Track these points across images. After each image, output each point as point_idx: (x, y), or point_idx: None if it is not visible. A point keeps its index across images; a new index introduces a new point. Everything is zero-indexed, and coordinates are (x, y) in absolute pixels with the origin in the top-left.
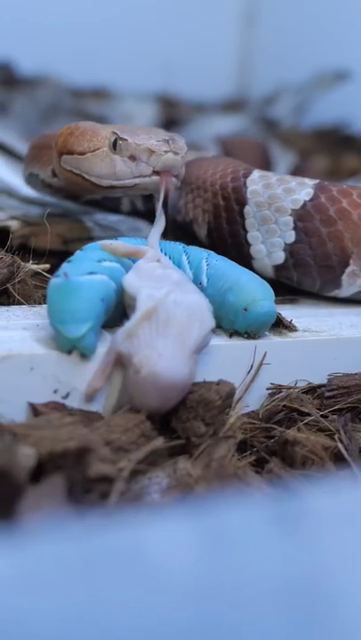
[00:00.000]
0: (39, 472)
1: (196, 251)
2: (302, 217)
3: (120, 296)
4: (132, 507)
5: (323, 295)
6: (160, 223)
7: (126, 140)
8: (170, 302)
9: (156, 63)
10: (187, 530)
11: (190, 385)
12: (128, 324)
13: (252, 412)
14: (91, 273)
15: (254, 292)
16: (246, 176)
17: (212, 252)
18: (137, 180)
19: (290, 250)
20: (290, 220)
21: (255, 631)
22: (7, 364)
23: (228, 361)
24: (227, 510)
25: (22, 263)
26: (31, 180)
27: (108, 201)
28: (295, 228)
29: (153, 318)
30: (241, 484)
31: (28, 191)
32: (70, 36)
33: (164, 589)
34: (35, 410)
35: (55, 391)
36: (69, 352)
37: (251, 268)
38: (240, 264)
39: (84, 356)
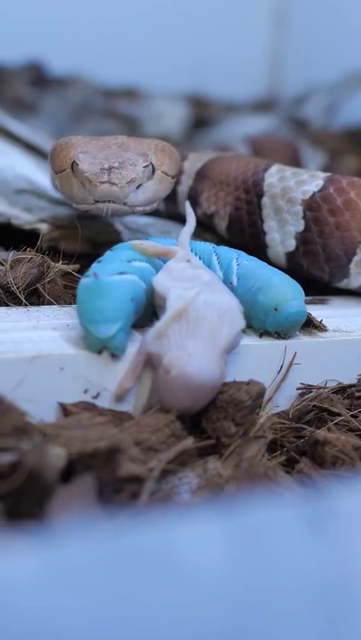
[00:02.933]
0: (69, 472)
1: (226, 251)
2: (311, 207)
3: (150, 296)
4: (162, 507)
5: (335, 286)
6: (190, 223)
7: (78, 165)
8: (200, 302)
9: (187, 63)
10: (217, 530)
11: (220, 385)
12: (158, 325)
13: (283, 412)
14: (121, 273)
15: (285, 292)
16: (266, 170)
17: (242, 253)
18: (86, 207)
19: (300, 238)
20: (300, 209)
21: (285, 631)
22: (37, 364)
23: (259, 361)
24: (257, 510)
25: (52, 263)
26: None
27: None
28: (304, 218)
29: (183, 318)
30: (271, 483)
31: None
32: (101, 37)
33: (195, 589)
34: (65, 410)
35: (85, 391)
36: (99, 352)
37: (266, 256)
38: (257, 253)
39: (115, 356)
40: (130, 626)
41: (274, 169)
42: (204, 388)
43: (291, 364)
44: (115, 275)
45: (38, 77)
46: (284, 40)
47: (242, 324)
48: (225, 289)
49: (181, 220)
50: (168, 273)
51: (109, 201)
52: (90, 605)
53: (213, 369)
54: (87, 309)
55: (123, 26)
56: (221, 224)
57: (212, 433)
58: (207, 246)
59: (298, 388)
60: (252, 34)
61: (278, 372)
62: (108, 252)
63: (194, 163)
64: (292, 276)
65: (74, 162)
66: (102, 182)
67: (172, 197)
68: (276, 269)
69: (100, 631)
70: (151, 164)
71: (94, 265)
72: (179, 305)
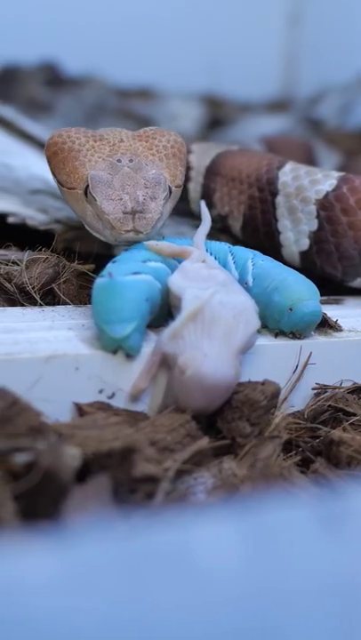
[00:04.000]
0: (84, 472)
1: (241, 251)
2: (324, 206)
3: (165, 296)
4: (177, 507)
5: (348, 286)
6: (206, 223)
7: (95, 200)
8: (215, 303)
9: (202, 63)
10: (232, 530)
11: (235, 385)
12: (173, 325)
13: (298, 412)
14: (135, 273)
15: (300, 292)
16: (279, 168)
17: (257, 253)
18: (100, 237)
19: (313, 237)
20: (313, 209)
21: (299, 631)
22: (53, 364)
23: (274, 361)
24: (272, 510)
25: (68, 263)
26: None
27: None
28: (318, 217)
29: (198, 319)
30: (286, 484)
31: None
32: (116, 37)
33: (209, 589)
34: (80, 410)
35: (100, 391)
36: (114, 352)
37: (280, 255)
38: (271, 252)
39: (129, 356)
40: (145, 626)
41: (288, 167)
42: (219, 388)
43: (306, 363)
44: (129, 275)
45: (53, 77)
46: (299, 40)
47: (257, 324)
48: (240, 289)
49: (191, 217)
50: (183, 273)
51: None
52: (105, 605)
53: (228, 369)
54: (102, 309)
55: (137, 26)
56: (236, 225)
57: (228, 433)
58: (223, 246)
59: (313, 388)
60: (266, 34)
61: (293, 372)
62: (123, 253)
63: (201, 157)
64: (307, 276)
65: (89, 189)
66: (127, 231)
67: (182, 195)
68: (292, 269)
69: (116, 631)
70: (168, 186)
71: (109, 265)
72: (194, 305)
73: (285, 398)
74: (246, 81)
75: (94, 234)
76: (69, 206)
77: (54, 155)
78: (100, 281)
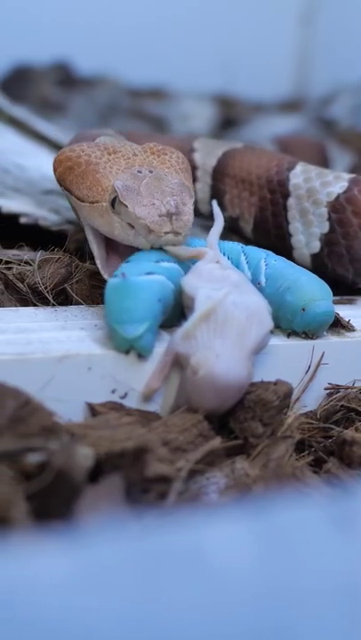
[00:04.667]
0: (97, 472)
1: (254, 251)
2: (336, 208)
3: (178, 296)
4: (190, 507)
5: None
6: (219, 224)
7: (126, 207)
8: (228, 303)
9: (215, 63)
10: (244, 530)
11: (248, 386)
12: (186, 325)
13: (310, 411)
14: (148, 273)
15: (312, 292)
16: (290, 169)
17: (270, 253)
18: (128, 243)
19: (325, 240)
20: (325, 211)
21: (312, 631)
22: (65, 364)
23: (286, 361)
24: (285, 510)
25: (80, 263)
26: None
27: None
28: (329, 219)
29: (211, 319)
30: (299, 484)
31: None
32: (128, 36)
33: (222, 589)
34: (93, 410)
35: (113, 391)
36: (127, 352)
37: (291, 257)
38: (283, 255)
39: (142, 356)
40: (157, 625)
41: (299, 169)
42: (231, 388)
43: (319, 363)
44: (143, 275)
45: (65, 77)
46: (312, 40)
47: (270, 324)
48: (254, 289)
49: (199, 217)
50: (197, 273)
51: None
52: (117, 605)
53: (241, 369)
54: (115, 309)
55: (150, 25)
56: (247, 227)
57: (240, 433)
58: (235, 246)
59: (326, 388)
60: (279, 34)
61: (306, 372)
62: (136, 253)
63: (206, 156)
64: (319, 277)
65: (117, 200)
66: (167, 232)
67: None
68: (305, 269)
69: (129, 631)
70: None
71: (122, 265)
72: (207, 305)
73: (298, 398)
74: (259, 81)
75: (118, 240)
76: (89, 223)
77: (69, 170)
78: (112, 281)
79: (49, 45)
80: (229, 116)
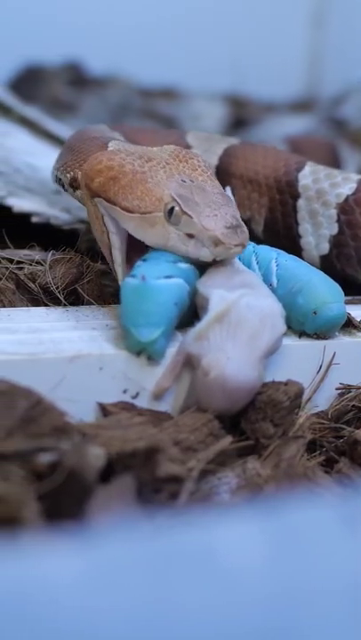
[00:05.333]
0: (109, 472)
1: (265, 251)
2: (345, 210)
3: (193, 297)
4: (201, 507)
5: None
6: None
7: (191, 218)
8: (242, 305)
9: (226, 63)
10: (256, 530)
11: (258, 388)
12: (199, 326)
13: (322, 411)
14: (168, 277)
15: (324, 295)
16: (299, 170)
17: (281, 252)
18: (189, 256)
19: (333, 241)
20: (334, 213)
21: (323, 632)
22: (77, 364)
23: (298, 361)
24: (296, 510)
25: (91, 263)
26: (57, 181)
27: None
28: (338, 221)
29: (224, 321)
30: (310, 484)
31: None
32: (139, 36)
33: (234, 589)
34: (104, 410)
35: (125, 391)
36: (138, 354)
37: (301, 259)
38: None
39: (152, 359)
40: (168, 625)
41: (307, 169)
42: (241, 391)
43: (330, 364)
44: (162, 278)
45: (77, 77)
46: (323, 40)
47: (283, 328)
48: (268, 292)
49: None
50: (212, 274)
51: None
52: (129, 605)
53: (252, 372)
54: (131, 311)
55: (161, 25)
56: (258, 229)
57: (251, 434)
58: (247, 246)
59: (337, 388)
60: (290, 34)
61: (317, 372)
62: (153, 252)
63: (205, 154)
64: (346, 284)
65: (176, 210)
66: (236, 245)
67: None
68: (316, 269)
69: (139, 631)
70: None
71: (140, 263)
72: (221, 307)
73: (309, 398)
74: (270, 81)
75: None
76: (136, 234)
77: (113, 181)
78: (131, 282)
79: (60, 45)
80: (240, 116)
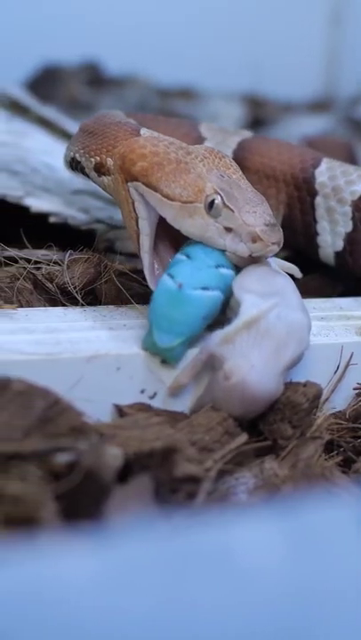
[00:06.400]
0: (126, 472)
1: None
2: (359, 207)
3: (227, 300)
4: (218, 507)
5: None
6: None
7: (233, 212)
8: (273, 315)
9: (244, 63)
10: (273, 529)
11: (274, 400)
12: (227, 329)
13: (339, 412)
14: (205, 288)
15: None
16: (315, 167)
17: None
18: (228, 250)
19: (347, 239)
20: (349, 210)
21: (340, 632)
22: (94, 364)
23: (315, 362)
24: (313, 510)
25: (109, 263)
26: (73, 165)
27: None
28: (353, 218)
29: (253, 328)
30: (328, 484)
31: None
32: (157, 36)
33: (251, 589)
34: (120, 411)
35: (142, 391)
36: (153, 353)
37: (317, 256)
38: (308, 253)
39: (165, 362)
40: (186, 625)
41: (324, 166)
42: (258, 400)
43: (347, 364)
44: (199, 289)
45: (95, 77)
46: (341, 39)
47: (308, 343)
48: (300, 303)
49: None
50: (247, 276)
51: None
52: (146, 605)
53: (272, 384)
54: (158, 313)
55: (179, 25)
56: None
57: (269, 435)
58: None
59: (355, 389)
60: (308, 33)
61: (335, 373)
62: (198, 249)
63: (218, 146)
64: (340, 275)
65: (218, 202)
66: (273, 243)
67: None
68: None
69: (156, 630)
70: None
71: (183, 259)
72: (252, 314)
73: (327, 399)
74: (288, 81)
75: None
76: (176, 224)
77: (158, 166)
78: (167, 284)
79: (78, 45)
80: (258, 116)
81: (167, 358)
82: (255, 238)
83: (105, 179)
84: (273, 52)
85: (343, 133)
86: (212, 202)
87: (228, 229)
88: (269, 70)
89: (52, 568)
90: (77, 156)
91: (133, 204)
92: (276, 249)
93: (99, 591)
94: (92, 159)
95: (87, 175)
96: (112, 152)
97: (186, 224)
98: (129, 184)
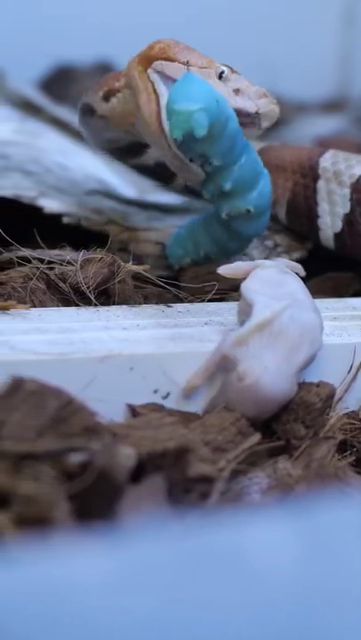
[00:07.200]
0: (139, 472)
1: None
2: (357, 189)
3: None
4: (232, 507)
5: None
6: None
7: (240, 75)
8: (286, 317)
9: (257, 62)
10: (287, 530)
11: (287, 402)
12: (240, 331)
13: (352, 412)
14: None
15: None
16: (321, 155)
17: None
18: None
19: (346, 219)
20: (347, 192)
21: (354, 632)
22: (107, 364)
23: (328, 362)
24: (327, 510)
25: (123, 263)
26: (82, 112)
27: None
28: (351, 200)
29: (266, 330)
30: (341, 484)
31: (128, 192)
32: (170, 36)
33: (264, 589)
34: (133, 412)
35: (155, 391)
36: (182, 134)
37: (317, 238)
38: (310, 235)
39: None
40: (198, 626)
41: (328, 154)
42: (272, 402)
43: None
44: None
45: None
46: (354, 40)
47: (321, 345)
48: (313, 305)
49: None
50: (257, 278)
51: None
52: (160, 605)
53: (285, 385)
54: (175, 93)
55: (191, 25)
56: (281, 211)
57: (282, 435)
58: None
59: None
60: (321, 32)
61: (348, 373)
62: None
63: None
64: (339, 257)
65: (225, 72)
66: (276, 103)
67: None
68: None
69: (169, 631)
70: None
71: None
72: (265, 316)
73: (340, 399)
74: (301, 81)
75: None
76: None
77: (175, 43)
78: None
79: (91, 45)
80: None
81: (195, 126)
82: (260, 95)
83: (114, 100)
84: (286, 52)
85: (357, 133)
86: (222, 72)
87: (237, 91)
88: (282, 70)
89: (64, 568)
90: (87, 99)
91: (153, 85)
92: (277, 109)
93: (111, 591)
94: (100, 91)
95: (94, 112)
96: (119, 76)
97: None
98: (149, 70)
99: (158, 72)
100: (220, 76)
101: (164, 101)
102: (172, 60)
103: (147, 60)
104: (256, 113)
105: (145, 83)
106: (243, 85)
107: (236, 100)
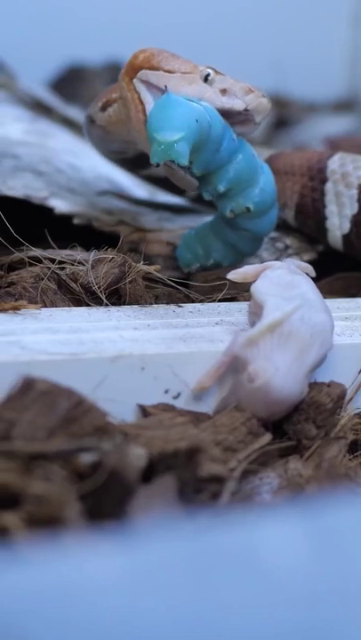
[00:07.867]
0: (150, 472)
1: None
2: None
3: (215, 136)
4: (243, 507)
5: None
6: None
7: (225, 75)
8: (296, 318)
9: (267, 62)
10: (298, 530)
11: (297, 403)
12: (251, 332)
13: None
14: (190, 101)
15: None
16: (329, 158)
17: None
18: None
19: (354, 220)
20: (355, 193)
21: None
22: (118, 364)
23: (339, 362)
24: (338, 510)
25: (133, 263)
26: (85, 123)
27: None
28: (358, 200)
29: (277, 331)
30: (352, 484)
31: (139, 192)
32: (180, 37)
33: (276, 590)
34: (144, 412)
35: (166, 391)
36: (163, 162)
37: (325, 240)
38: (319, 237)
39: (175, 163)
40: (210, 626)
41: (336, 157)
42: (283, 403)
43: None
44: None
45: (116, 76)
46: None
47: (331, 346)
48: (323, 304)
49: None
50: (267, 280)
51: None
52: (170, 605)
53: (296, 387)
54: (155, 120)
55: (201, 26)
56: (289, 214)
57: (293, 435)
58: None
59: None
60: (331, 33)
61: (359, 373)
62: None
63: None
64: (348, 257)
65: (210, 74)
66: (263, 96)
67: None
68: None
69: (180, 631)
70: None
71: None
72: (276, 317)
73: (351, 399)
74: (311, 81)
75: None
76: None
77: (158, 53)
78: (157, 101)
79: (102, 45)
80: (282, 117)
81: (175, 156)
82: (247, 91)
83: (110, 109)
84: (296, 53)
85: None
86: (207, 75)
87: (223, 91)
88: (293, 71)
89: (75, 568)
90: (89, 110)
91: (139, 96)
92: (267, 102)
93: (123, 591)
94: (100, 102)
95: (94, 122)
96: (115, 89)
97: (185, 91)
98: (134, 80)
99: (143, 81)
100: (206, 79)
101: (149, 110)
102: (157, 69)
103: (132, 69)
104: (245, 110)
105: (132, 93)
106: (228, 84)
107: (223, 100)
